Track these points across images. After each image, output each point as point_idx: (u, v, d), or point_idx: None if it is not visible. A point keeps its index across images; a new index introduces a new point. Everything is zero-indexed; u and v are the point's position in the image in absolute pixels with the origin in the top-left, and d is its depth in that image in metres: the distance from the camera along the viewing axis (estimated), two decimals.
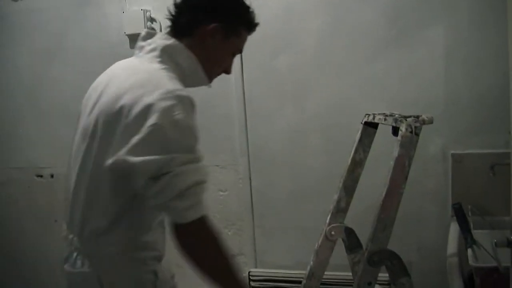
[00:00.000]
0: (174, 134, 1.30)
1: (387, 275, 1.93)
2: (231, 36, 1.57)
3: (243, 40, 1.63)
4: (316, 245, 2.24)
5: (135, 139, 1.28)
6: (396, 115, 1.98)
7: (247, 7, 1.59)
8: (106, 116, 1.39)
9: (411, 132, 1.84)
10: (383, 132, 2.05)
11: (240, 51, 1.66)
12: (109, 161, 1.33)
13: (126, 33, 3.00)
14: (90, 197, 1.45)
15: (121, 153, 1.29)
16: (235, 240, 2.88)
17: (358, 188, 2.22)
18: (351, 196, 2.22)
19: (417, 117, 1.88)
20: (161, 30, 2.93)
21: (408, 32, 2.52)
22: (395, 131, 1.94)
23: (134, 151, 1.28)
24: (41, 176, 3.39)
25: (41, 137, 3.35)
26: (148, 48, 1.58)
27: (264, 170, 2.83)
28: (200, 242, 1.39)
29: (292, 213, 2.81)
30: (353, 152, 2.19)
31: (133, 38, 2.99)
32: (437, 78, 2.49)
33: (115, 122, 1.35)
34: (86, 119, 1.52)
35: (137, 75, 1.45)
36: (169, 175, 1.28)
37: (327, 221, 2.22)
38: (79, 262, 1.51)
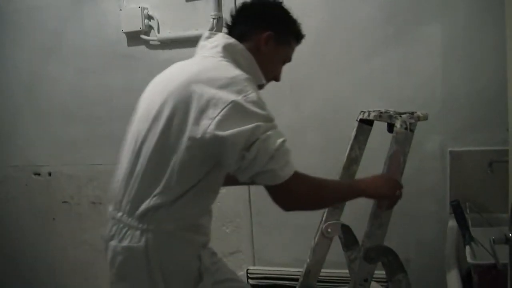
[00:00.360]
0: (252, 107, 1.42)
1: (384, 272, 1.92)
2: (282, 44, 1.74)
3: (292, 50, 1.80)
4: (313, 243, 2.24)
5: (219, 117, 1.40)
6: (391, 112, 1.98)
7: (295, 20, 1.78)
8: (176, 100, 1.49)
9: (406, 128, 1.84)
10: (379, 128, 2.05)
11: (289, 60, 1.82)
12: (197, 136, 1.43)
13: (123, 31, 3.00)
14: (151, 175, 1.53)
15: (211, 129, 1.40)
16: (233, 237, 2.88)
17: None
18: None
19: (412, 113, 1.88)
20: (158, 27, 2.93)
21: (405, 30, 2.52)
22: (390, 128, 1.94)
23: (220, 126, 1.39)
24: (39, 174, 3.39)
25: (39, 135, 3.35)
26: (210, 45, 1.67)
27: None
28: (304, 194, 1.53)
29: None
30: (348, 149, 2.19)
31: (131, 36, 3.00)
32: (434, 75, 2.49)
33: (186, 105, 1.46)
34: (146, 108, 1.64)
35: (204, 65, 1.59)
36: (258, 142, 1.40)
37: (324, 218, 2.22)
38: (128, 238, 1.56)
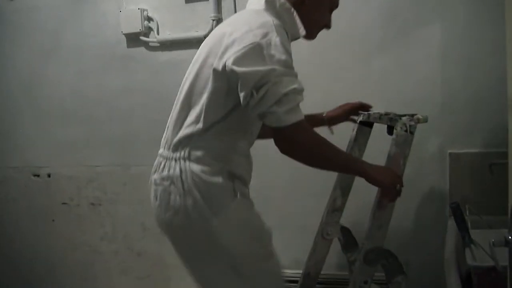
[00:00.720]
0: (272, 51, 1.52)
1: (383, 274, 1.92)
2: None
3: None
4: (312, 244, 2.24)
5: (238, 53, 1.52)
6: (391, 114, 1.98)
7: None
8: (212, 42, 1.67)
9: (406, 131, 1.85)
10: (379, 130, 2.05)
11: (337, 6, 1.89)
12: (219, 68, 1.58)
13: (123, 32, 2.99)
14: (185, 109, 1.70)
15: (229, 62, 1.53)
16: None
17: (354, 187, 2.22)
18: (347, 195, 2.22)
19: (412, 116, 1.88)
20: (158, 28, 2.93)
21: (404, 31, 2.52)
22: (390, 130, 1.94)
23: (237, 62, 1.52)
24: (38, 175, 3.38)
25: (38, 136, 3.34)
26: (254, 1, 1.78)
27: (261, 169, 2.81)
28: (303, 144, 1.60)
29: (289, 212, 2.80)
30: (348, 151, 2.19)
31: (130, 37, 3.00)
32: (434, 77, 2.48)
33: (218, 44, 1.61)
34: (196, 57, 1.77)
35: (243, 15, 1.77)
36: (268, 84, 1.50)
37: (323, 220, 2.22)
38: (166, 169, 1.70)
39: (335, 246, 2.28)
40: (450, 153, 2.47)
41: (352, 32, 2.60)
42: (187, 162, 1.65)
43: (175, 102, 1.80)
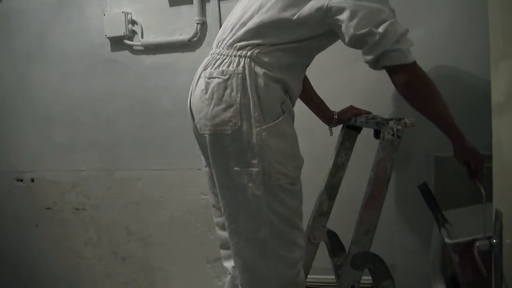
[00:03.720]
0: None
1: (370, 278, 1.92)
2: None
3: None
4: None
5: None
6: (378, 118, 1.98)
7: None
8: None
9: (393, 135, 1.85)
10: (367, 133, 2.05)
11: None
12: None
13: (107, 36, 2.96)
14: (260, 26, 1.71)
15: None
16: (216, 244, 2.86)
17: (341, 191, 2.22)
18: (334, 199, 2.22)
19: (399, 120, 1.88)
20: (142, 32, 2.91)
21: None
22: (377, 134, 1.94)
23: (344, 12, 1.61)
24: (22, 180, 3.35)
25: (21, 140, 3.31)
26: None
27: None
28: (422, 81, 1.70)
29: None
30: (335, 155, 2.19)
31: (114, 41, 2.98)
32: None
33: None
34: None
35: None
36: (387, 23, 1.59)
37: (310, 224, 2.21)
38: (226, 64, 1.73)
39: (322, 250, 2.28)
40: (436, 157, 2.46)
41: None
42: (253, 63, 1.69)
43: (239, 10, 1.83)
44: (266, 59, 1.70)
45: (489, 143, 1.93)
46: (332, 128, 2.24)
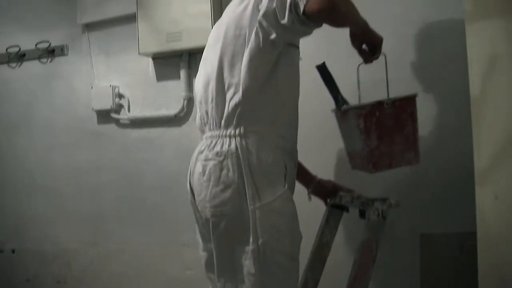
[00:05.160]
0: None
1: None
2: None
3: None
4: None
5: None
6: (363, 198, 1.98)
7: None
8: (230, 19, 1.76)
9: (378, 215, 1.84)
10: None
11: None
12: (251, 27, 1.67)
13: (94, 109, 2.99)
14: (222, 84, 1.74)
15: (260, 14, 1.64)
16: None
17: (326, 268, 2.20)
18: (319, 277, 2.19)
19: (384, 200, 1.88)
20: (129, 106, 2.94)
21: None
22: (362, 214, 1.93)
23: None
24: (2, 251, 3.30)
25: (2, 210, 3.29)
26: None
27: None
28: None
29: None
30: (319, 234, 2.17)
31: (101, 114, 3.00)
32: None
33: (237, 17, 1.73)
34: (209, 39, 1.92)
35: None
36: None
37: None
38: (218, 145, 1.74)
39: None
40: (421, 234, 2.45)
41: None
42: (244, 141, 1.70)
43: (200, 88, 1.87)
44: (254, 128, 1.72)
45: (474, 220, 1.93)
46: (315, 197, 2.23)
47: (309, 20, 1.59)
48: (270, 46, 1.67)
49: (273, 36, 1.64)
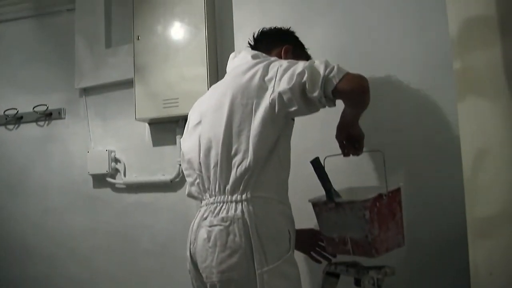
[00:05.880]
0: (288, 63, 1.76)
1: None
2: (296, 56, 2.03)
3: (304, 56, 2.16)
4: None
5: (274, 79, 1.74)
6: (358, 266, 1.98)
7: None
8: (237, 88, 1.80)
9: (373, 284, 1.84)
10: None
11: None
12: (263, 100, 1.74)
13: (90, 173, 3.01)
14: (229, 148, 1.77)
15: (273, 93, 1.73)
16: None
17: None
18: None
19: (379, 268, 1.88)
20: (125, 171, 2.95)
21: None
22: (357, 282, 1.93)
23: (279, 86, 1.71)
24: None
25: None
26: (239, 61, 1.99)
27: None
28: (361, 83, 1.71)
29: None
30: None
31: (97, 178, 3.00)
32: None
33: (245, 85, 1.79)
34: (195, 118, 1.97)
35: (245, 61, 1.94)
36: (307, 63, 1.72)
37: None
38: (224, 211, 1.75)
39: None
40: None
41: None
42: (250, 206, 1.72)
43: (196, 154, 1.89)
44: (260, 194, 1.75)
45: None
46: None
47: (335, 98, 1.70)
48: (283, 117, 1.75)
49: (293, 108, 1.71)
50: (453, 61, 1.78)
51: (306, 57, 2.15)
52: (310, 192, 2.06)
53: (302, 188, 2.17)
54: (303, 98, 1.69)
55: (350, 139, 1.95)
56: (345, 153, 1.98)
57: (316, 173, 1.99)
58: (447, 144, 2.24)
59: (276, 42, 2.10)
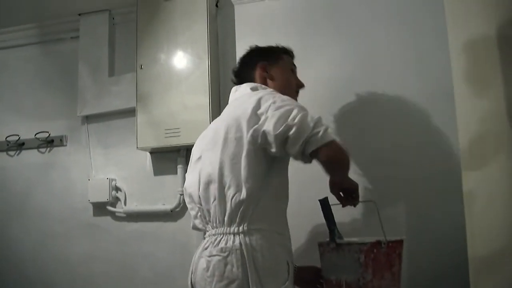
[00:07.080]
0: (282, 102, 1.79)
1: None
2: (277, 63, 2.15)
3: (289, 61, 2.22)
4: None
5: (265, 114, 1.77)
6: None
7: (272, 45, 2.24)
8: (231, 122, 1.85)
9: None
10: None
11: (295, 66, 2.24)
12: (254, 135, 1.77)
13: (90, 201, 3.00)
14: (223, 184, 1.81)
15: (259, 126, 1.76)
16: None
17: None
18: None
19: None
20: (125, 199, 2.94)
21: None
22: None
23: (265, 124, 1.75)
24: None
25: None
26: (240, 93, 2.06)
27: None
28: (341, 152, 1.78)
29: None
30: None
31: (97, 206, 3.00)
32: None
33: (237, 120, 1.83)
34: (207, 140, 1.98)
35: (246, 93, 2.02)
36: (300, 115, 1.72)
37: None
38: (223, 242, 1.79)
39: None
40: None
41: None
42: (247, 238, 1.76)
43: (196, 188, 1.93)
44: (257, 226, 1.79)
45: None
46: None
47: (312, 158, 1.75)
48: (263, 151, 1.80)
49: (272, 150, 1.76)
50: (455, 95, 1.79)
51: (288, 64, 2.20)
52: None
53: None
54: (282, 149, 1.74)
55: (344, 192, 1.96)
56: (343, 204, 1.98)
57: (323, 212, 2.01)
58: (448, 176, 2.25)
59: (252, 64, 2.15)
